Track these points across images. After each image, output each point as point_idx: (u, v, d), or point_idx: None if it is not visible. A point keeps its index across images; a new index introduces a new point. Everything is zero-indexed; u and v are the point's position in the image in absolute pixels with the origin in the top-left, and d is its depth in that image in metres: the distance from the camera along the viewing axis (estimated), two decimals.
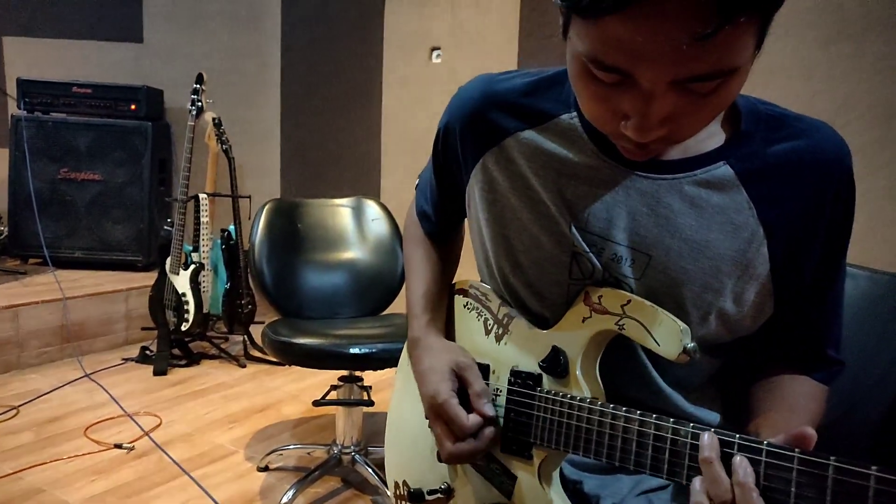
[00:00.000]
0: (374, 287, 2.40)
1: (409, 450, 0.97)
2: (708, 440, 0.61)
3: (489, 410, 0.80)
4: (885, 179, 2.61)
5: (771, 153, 0.74)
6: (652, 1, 0.53)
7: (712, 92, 0.59)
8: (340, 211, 2.53)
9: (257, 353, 3.43)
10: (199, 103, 3.30)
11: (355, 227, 2.50)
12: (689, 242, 0.74)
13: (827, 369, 0.83)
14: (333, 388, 2.20)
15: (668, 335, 0.70)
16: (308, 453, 2.35)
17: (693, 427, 0.64)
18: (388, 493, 1.03)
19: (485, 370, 0.86)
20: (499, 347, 0.86)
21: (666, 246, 0.74)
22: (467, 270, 1.03)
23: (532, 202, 0.80)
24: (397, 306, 2.43)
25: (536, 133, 0.80)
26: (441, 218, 1.01)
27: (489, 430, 0.80)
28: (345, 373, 2.17)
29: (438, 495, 0.90)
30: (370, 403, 2.11)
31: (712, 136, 0.75)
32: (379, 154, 3.97)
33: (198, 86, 3.31)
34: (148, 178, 3.95)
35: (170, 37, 4.30)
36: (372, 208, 2.52)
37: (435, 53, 3.66)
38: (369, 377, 2.26)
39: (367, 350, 1.89)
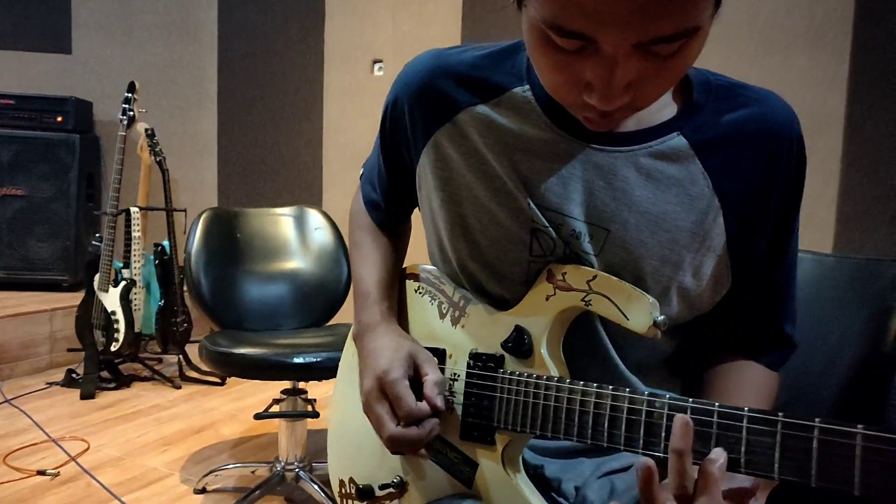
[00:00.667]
0: (318, 297, 2.32)
1: (356, 444, 0.91)
2: (681, 429, 0.58)
3: (440, 402, 0.75)
4: (811, 187, 2.70)
5: (723, 122, 0.73)
6: None
7: (675, 54, 0.57)
8: (282, 220, 2.45)
9: (193, 374, 3.28)
10: (131, 112, 3.17)
11: (297, 236, 2.42)
12: (646, 215, 0.72)
13: (780, 350, 0.81)
14: (276, 401, 2.11)
15: (637, 309, 0.67)
16: (252, 472, 2.24)
17: (670, 399, 0.62)
18: (333, 493, 0.96)
19: (441, 355, 0.82)
20: (455, 331, 0.82)
21: (623, 219, 0.72)
22: (414, 259, 0.99)
23: (488, 178, 0.76)
24: (342, 317, 2.35)
25: (489, 108, 0.76)
26: (390, 205, 0.96)
27: (434, 422, 0.75)
28: (287, 385, 2.08)
29: (390, 490, 0.84)
30: (315, 415, 2.03)
31: (665, 107, 0.73)
32: (321, 167, 3.90)
33: (129, 94, 3.19)
34: (75, 193, 3.76)
35: (100, 48, 4.14)
36: (314, 217, 2.45)
37: (377, 66, 3.63)
38: (313, 390, 2.17)
39: (312, 359, 1.81)
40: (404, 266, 0.95)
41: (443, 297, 0.85)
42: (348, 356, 0.96)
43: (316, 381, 2.05)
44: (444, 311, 0.84)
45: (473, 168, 0.77)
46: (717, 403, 0.59)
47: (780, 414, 0.55)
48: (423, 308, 0.87)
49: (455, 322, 0.82)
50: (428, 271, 0.89)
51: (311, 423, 2.11)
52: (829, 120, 2.61)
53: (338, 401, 0.98)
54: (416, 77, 0.80)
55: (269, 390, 3.13)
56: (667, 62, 0.58)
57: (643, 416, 0.63)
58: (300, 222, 2.45)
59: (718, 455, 0.57)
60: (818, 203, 2.67)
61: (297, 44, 3.91)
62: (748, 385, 0.78)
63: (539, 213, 0.74)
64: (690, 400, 0.60)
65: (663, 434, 0.61)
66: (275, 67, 4.00)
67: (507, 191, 0.75)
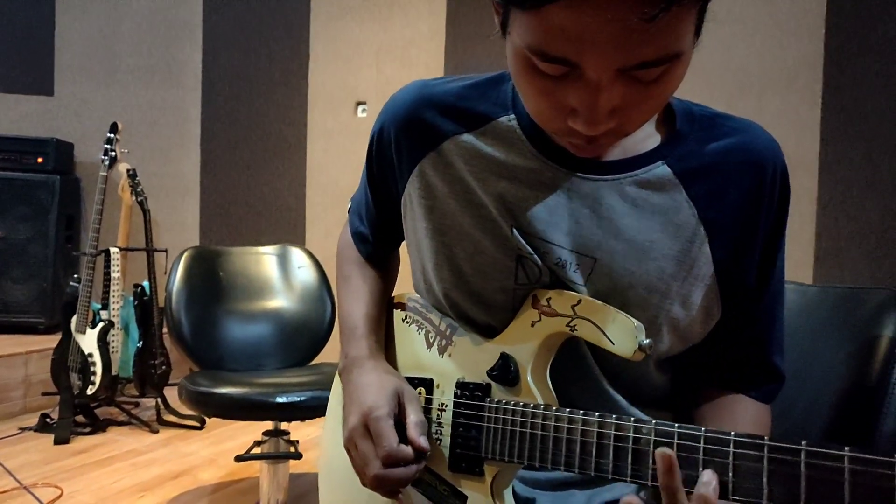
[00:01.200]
0: (301, 337, 2.30)
1: (347, 480, 0.89)
2: (663, 465, 0.58)
3: (423, 442, 0.74)
4: (791, 226, 2.75)
5: (707, 152, 0.74)
6: None
7: (658, 80, 0.58)
8: (265, 259, 2.44)
9: (172, 418, 3.21)
10: (113, 153, 3.16)
11: (281, 275, 2.41)
12: (632, 244, 0.72)
13: (770, 383, 0.82)
14: (257, 443, 2.06)
15: (622, 333, 0.67)
16: None
17: (656, 424, 0.61)
18: None
19: (428, 385, 0.81)
20: (442, 360, 0.81)
21: (610, 248, 0.73)
22: (400, 289, 0.99)
23: (472, 206, 0.77)
24: (326, 356, 2.33)
25: (474, 136, 0.77)
26: (378, 237, 0.96)
27: (418, 466, 0.74)
28: (269, 426, 2.04)
29: None
30: (298, 456, 1.99)
31: (649, 137, 0.75)
32: (304, 207, 3.91)
33: (112, 135, 3.18)
34: (53, 235, 3.72)
35: (83, 90, 4.15)
36: (298, 256, 2.45)
37: (360, 107, 3.68)
38: (296, 432, 2.14)
39: (295, 398, 1.78)
40: (392, 296, 0.95)
41: (430, 325, 0.85)
42: (337, 391, 0.95)
43: (299, 422, 2.03)
44: (431, 341, 0.83)
45: (458, 196, 0.77)
46: (703, 428, 0.59)
47: (766, 438, 0.55)
48: (410, 337, 0.87)
49: (442, 351, 0.82)
50: (415, 300, 0.89)
51: (293, 467, 2.07)
52: (803, 162, 2.68)
53: (328, 437, 0.96)
54: (402, 107, 0.81)
55: (249, 433, 3.07)
56: (650, 87, 0.59)
57: (630, 442, 0.62)
58: (283, 261, 2.44)
59: (710, 478, 0.57)
60: (796, 243, 2.71)
61: (282, 86, 3.95)
62: (741, 418, 0.78)
63: (523, 241, 0.74)
64: (676, 425, 0.60)
65: (650, 461, 0.61)
66: (259, 109, 4.03)
67: (491, 218, 0.75)
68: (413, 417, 0.76)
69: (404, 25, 3.62)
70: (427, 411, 0.80)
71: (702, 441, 0.59)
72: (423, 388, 0.81)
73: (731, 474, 0.57)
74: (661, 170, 0.73)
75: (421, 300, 0.88)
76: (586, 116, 0.60)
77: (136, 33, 4.20)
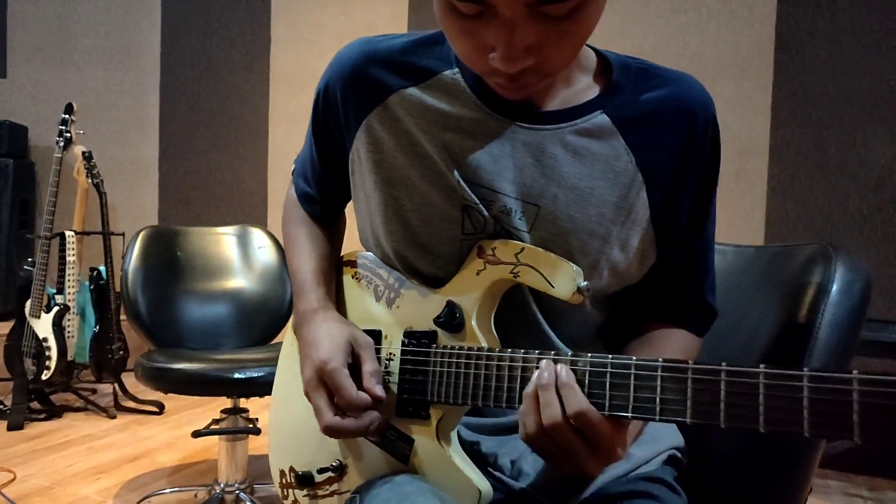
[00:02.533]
0: (261, 316, 2.29)
1: (297, 432, 0.90)
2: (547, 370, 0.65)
3: (379, 391, 0.76)
4: (742, 209, 2.83)
5: (642, 101, 0.77)
6: None
7: (570, 16, 0.61)
8: (224, 239, 2.42)
9: (130, 403, 3.17)
10: (68, 134, 3.10)
11: (240, 255, 2.40)
12: (574, 190, 0.75)
13: (703, 321, 0.86)
14: (216, 421, 2.05)
15: (561, 277, 0.70)
16: (195, 495, 2.16)
17: (591, 356, 0.64)
18: (274, 485, 0.95)
19: (377, 336, 0.83)
20: (391, 311, 0.83)
21: (553, 195, 0.75)
22: (346, 248, 1.00)
23: (419, 158, 0.78)
24: (286, 336, 2.33)
25: (419, 90, 0.79)
26: (325, 196, 0.96)
27: (374, 415, 0.76)
28: (228, 405, 2.04)
29: (329, 473, 0.84)
30: (257, 431, 1.98)
31: (588, 88, 0.78)
32: (266, 191, 3.88)
33: (67, 116, 3.12)
34: (7, 219, 3.64)
35: (37, 72, 4.06)
36: (258, 236, 2.44)
37: None
38: (254, 410, 2.13)
39: (253, 374, 1.78)
40: (341, 254, 0.96)
41: (378, 280, 0.86)
42: (287, 346, 0.96)
43: (258, 400, 2.02)
44: (380, 294, 0.85)
45: (405, 149, 0.79)
46: (633, 357, 0.62)
47: (689, 362, 0.59)
48: (359, 293, 0.88)
49: (390, 303, 0.83)
50: (364, 257, 0.90)
51: (253, 448, 2.07)
52: (754, 146, 2.76)
53: (277, 392, 0.97)
54: (348, 63, 0.82)
55: (208, 418, 3.04)
56: (563, 24, 0.61)
57: None
58: (243, 241, 2.43)
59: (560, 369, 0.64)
60: (747, 224, 2.80)
61: (243, 69, 3.92)
62: (678, 348, 0.81)
63: (469, 190, 0.76)
64: (610, 356, 0.63)
65: (586, 391, 0.64)
66: (219, 93, 3.98)
67: (437, 169, 0.77)
68: (368, 367, 0.78)
69: (366, 10, 3.61)
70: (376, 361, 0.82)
71: (633, 368, 0.62)
72: (373, 344, 0.83)
73: (658, 395, 0.60)
74: (600, 118, 0.76)
75: (370, 256, 0.90)
76: (503, 53, 0.63)
77: (93, 15, 4.12)
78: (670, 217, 0.78)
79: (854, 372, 0.50)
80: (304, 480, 0.86)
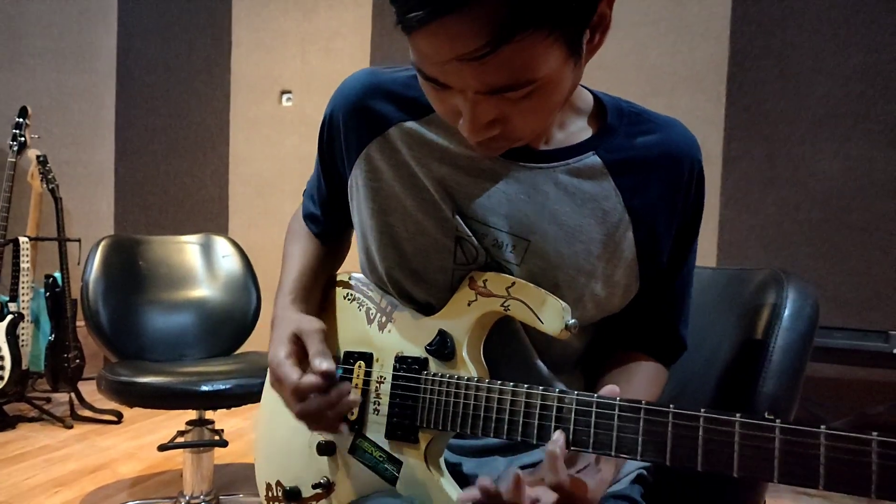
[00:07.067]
0: (226, 326, 2.28)
1: (283, 447, 0.92)
2: (558, 437, 0.66)
3: (325, 366, 0.78)
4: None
5: (634, 145, 0.81)
6: (441, 21, 0.58)
7: (528, 97, 0.64)
8: (187, 248, 2.40)
9: (87, 413, 3.11)
10: (22, 138, 3.03)
11: (204, 264, 2.38)
12: (564, 227, 0.79)
13: (674, 353, 0.91)
14: (181, 433, 2.04)
15: (550, 313, 0.73)
16: None
17: (578, 395, 0.67)
18: (260, 497, 0.97)
19: (368, 359, 0.85)
20: (382, 335, 0.85)
21: (543, 231, 0.78)
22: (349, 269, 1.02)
23: (416, 189, 0.81)
24: (251, 345, 2.32)
25: (419, 124, 0.82)
26: (328, 218, 0.99)
27: (340, 390, 0.78)
28: (193, 416, 2.03)
29: (318, 491, 0.86)
30: (224, 443, 1.98)
31: (582, 131, 0.81)
32: (227, 197, 3.84)
33: (21, 119, 3.05)
34: None
35: None
36: (222, 245, 2.42)
37: (285, 97, 3.65)
38: (220, 422, 2.12)
39: (220, 387, 1.78)
40: (335, 273, 0.98)
41: (371, 303, 0.89)
42: None
43: (224, 412, 2.02)
44: (372, 317, 0.88)
45: (402, 179, 0.82)
46: (618, 398, 0.64)
47: (671, 406, 0.61)
48: (351, 313, 0.91)
49: (382, 327, 0.86)
50: (357, 279, 0.93)
51: (218, 458, 2.06)
52: (708, 158, 2.82)
53: (265, 405, 0.99)
54: (352, 93, 0.85)
55: (170, 426, 3.02)
56: (523, 104, 0.65)
57: (554, 411, 0.68)
58: (207, 250, 2.41)
59: (557, 437, 0.65)
60: (701, 233, 2.89)
61: (203, 74, 3.87)
62: (644, 378, 0.86)
63: (463, 223, 0.79)
64: (595, 395, 0.66)
65: (571, 428, 0.66)
66: (178, 97, 3.93)
67: (433, 201, 0.80)
68: (312, 349, 0.81)
69: (330, 17, 3.61)
70: (366, 384, 0.84)
71: (616, 409, 0.64)
72: (362, 362, 0.85)
73: (640, 439, 0.62)
74: (592, 160, 0.79)
75: (363, 279, 0.92)
76: (466, 126, 0.67)
77: (45, 15, 4.01)
78: (655, 254, 0.82)
79: (822, 427, 0.53)
80: (291, 496, 0.88)
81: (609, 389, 0.67)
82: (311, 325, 0.84)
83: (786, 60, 2.79)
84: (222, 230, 3.82)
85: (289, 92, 3.64)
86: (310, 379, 0.78)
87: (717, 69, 2.90)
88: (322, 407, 0.78)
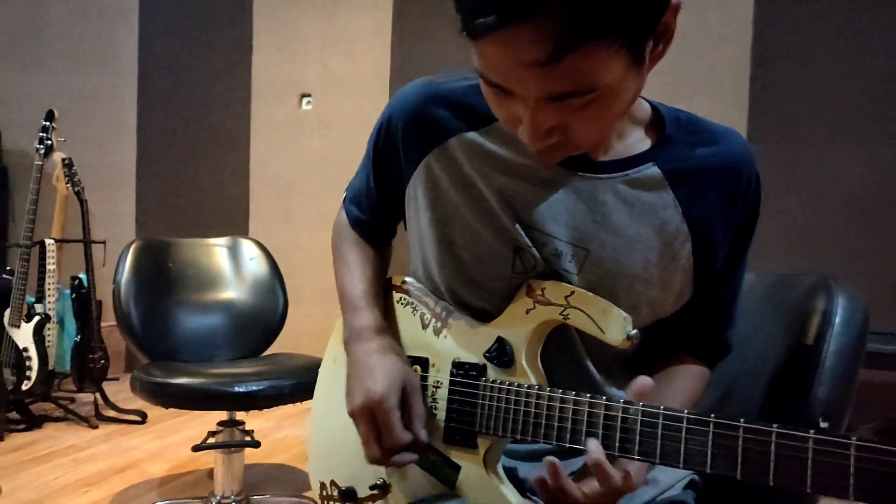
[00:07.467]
0: (254, 328, 2.30)
1: (339, 446, 0.94)
2: (594, 446, 0.68)
3: (424, 437, 0.80)
4: None
5: (693, 156, 0.82)
6: (508, 28, 0.59)
7: (588, 105, 0.65)
8: (215, 250, 2.43)
9: (111, 413, 3.14)
10: (49, 142, 3.06)
11: (231, 266, 2.41)
12: (622, 237, 0.80)
13: (718, 356, 0.92)
14: (212, 434, 2.06)
15: (612, 323, 0.74)
16: None
17: (643, 406, 0.68)
18: (314, 495, 0.98)
19: (423, 363, 0.87)
20: (438, 340, 0.87)
21: (602, 240, 0.80)
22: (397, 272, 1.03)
23: (474, 199, 0.82)
24: (278, 346, 2.35)
25: (479, 135, 0.83)
26: (379, 223, 1.00)
27: (413, 456, 0.80)
28: (223, 417, 2.05)
29: (374, 492, 0.88)
30: (256, 444, 2.00)
31: (640, 141, 0.82)
32: (247, 199, 3.87)
33: (47, 123, 3.08)
34: None
35: (10, 75, 3.98)
36: (248, 247, 2.44)
37: (305, 100, 3.67)
38: (251, 421, 2.15)
39: (254, 388, 1.80)
40: (389, 277, 1.00)
41: (425, 308, 0.90)
42: (329, 362, 0.99)
43: (254, 412, 2.04)
44: (427, 322, 0.89)
45: (461, 189, 0.83)
46: (686, 410, 0.65)
47: (742, 420, 0.61)
48: (406, 318, 0.92)
49: (437, 332, 0.87)
50: (411, 283, 0.94)
51: (247, 457, 2.08)
52: None
53: (319, 405, 1.01)
54: (411, 101, 0.86)
55: (193, 427, 3.05)
56: (583, 111, 0.65)
57: (619, 421, 0.68)
58: (234, 252, 2.43)
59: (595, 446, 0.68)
60: None
61: (223, 77, 3.90)
62: (688, 381, 0.89)
63: (522, 233, 0.80)
64: (662, 407, 0.66)
65: (637, 439, 0.67)
66: (199, 100, 3.96)
67: (492, 211, 0.81)
68: (418, 410, 0.81)
69: (350, 20, 3.63)
70: (423, 388, 0.86)
71: (684, 422, 0.64)
72: (418, 367, 0.87)
73: (709, 451, 0.63)
74: (652, 170, 0.81)
75: (416, 284, 0.93)
76: (527, 132, 0.68)
77: (67, 18, 4.06)
78: (709, 263, 0.84)
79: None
80: (347, 496, 0.90)
81: (641, 381, 0.70)
82: (415, 381, 0.84)
83: (808, 63, 2.80)
84: (242, 232, 3.85)
85: (309, 95, 3.67)
86: (408, 438, 0.79)
87: (740, 72, 2.91)
88: (400, 464, 0.81)
